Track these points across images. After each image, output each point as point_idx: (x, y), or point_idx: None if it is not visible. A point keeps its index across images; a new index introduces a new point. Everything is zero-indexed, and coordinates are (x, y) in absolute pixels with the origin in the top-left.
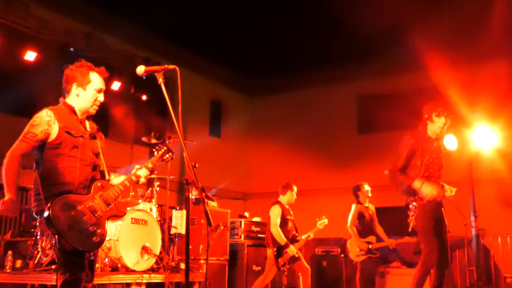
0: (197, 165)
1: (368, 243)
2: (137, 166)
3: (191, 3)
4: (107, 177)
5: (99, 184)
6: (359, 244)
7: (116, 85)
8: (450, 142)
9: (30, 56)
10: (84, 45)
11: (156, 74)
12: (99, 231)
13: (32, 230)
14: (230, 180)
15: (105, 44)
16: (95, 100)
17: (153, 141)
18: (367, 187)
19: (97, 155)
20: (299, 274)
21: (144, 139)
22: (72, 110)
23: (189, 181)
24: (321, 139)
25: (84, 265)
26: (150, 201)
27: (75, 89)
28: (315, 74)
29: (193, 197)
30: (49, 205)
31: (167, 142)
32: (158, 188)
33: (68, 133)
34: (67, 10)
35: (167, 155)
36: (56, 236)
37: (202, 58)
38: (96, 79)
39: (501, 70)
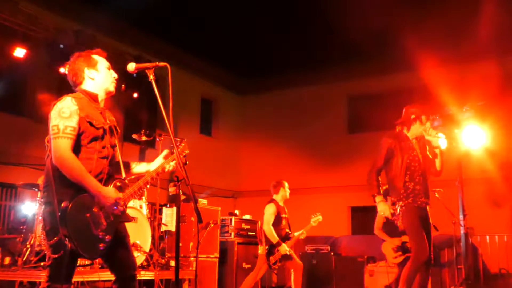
0: (187, 162)
1: (403, 242)
2: (163, 156)
3: (183, 1)
4: (123, 173)
5: (118, 184)
6: (394, 245)
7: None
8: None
9: (19, 52)
10: (73, 42)
11: (147, 71)
12: (107, 237)
13: (21, 227)
14: (220, 178)
15: (95, 42)
16: (111, 76)
17: (143, 138)
18: None
19: (113, 147)
20: (292, 270)
21: (134, 136)
22: (92, 98)
23: (180, 178)
24: (311, 138)
25: (71, 276)
26: (140, 198)
27: (88, 73)
28: (306, 73)
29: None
30: (66, 202)
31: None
32: (148, 186)
33: (90, 123)
34: (57, 6)
35: (184, 153)
36: (65, 237)
37: (194, 57)
38: (100, 59)
39: (490, 70)
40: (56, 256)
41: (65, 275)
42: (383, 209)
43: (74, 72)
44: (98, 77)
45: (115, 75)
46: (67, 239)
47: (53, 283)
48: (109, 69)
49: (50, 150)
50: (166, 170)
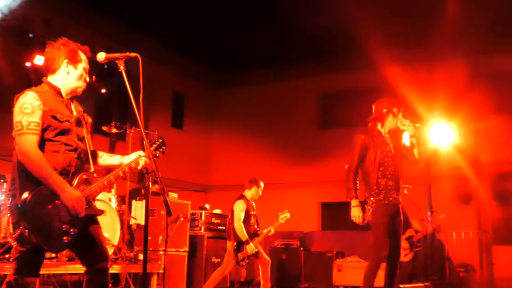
0: (158, 154)
1: (409, 237)
2: (140, 153)
3: None
4: (91, 166)
5: (84, 176)
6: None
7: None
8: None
9: None
10: (43, 31)
11: (117, 61)
12: (72, 230)
13: None
14: (191, 172)
15: (65, 31)
16: (84, 80)
17: (114, 130)
18: None
19: (82, 139)
20: (259, 266)
21: (104, 128)
22: (57, 92)
23: (149, 170)
24: (282, 133)
25: (39, 269)
26: (109, 191)
27: (65, 67)
28: (278, 69)
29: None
30: (26, 194)
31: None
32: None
33: (54, 117)
34: None
35: (161, 148)
36: (25, 230)
37: (165, 49)
38: (84, 58)
39: (456, 68)
40: (22, 249)
41: (31, 268)
42: (356, 215)
43: (52, 58)
44: (73, 75)
45: (88, 79)
46: (26, 231)
47: (19, 276)
48: (87, 71)
49: (15, 144)
50: (140, 166)
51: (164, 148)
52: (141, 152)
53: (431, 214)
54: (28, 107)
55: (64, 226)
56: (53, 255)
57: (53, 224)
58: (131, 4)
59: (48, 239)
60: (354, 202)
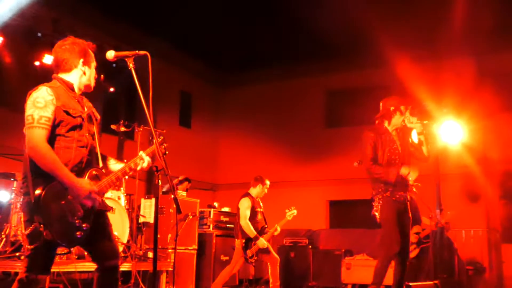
0: (167, 152)
1: (417, 233)
2: (141, 153)
3: None
4: (100, 162)
5: (94, 172)
6: None
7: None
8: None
9: None
10: (51, 30)
11: (126, 59)
12: (84, 225)
13: None
14: (199, 170)
15: (73, 31)
16: (95, 77)
17: (122, 129)
18: None
19: (92, 136)
20: (268, 263)
21: (113, 127)
22: (70, 87)
23: (159, 168)
24: (290, 131)
25: (50, 266)
26: (118, 189)
27: (81, 67)
28: (285, 68)
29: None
30: (39, 190)
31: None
32: (126, 177)
33: (67, 112)
34: None
35: (163, 146)
36: (40, 225)
37: (173, 49)
38: (93, 56)
39: (465, 66)
40: (33, 246)
41: (42, 265)
42: (405, 172)
43: (66, 58)
44: (88, 74)
45: (95, 75)
46: (42, 226)
47: (30, 273)
48: (95, 68)
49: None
50: (139, 167)
51: (165, 145)
52: (142, 154)
53: (440, 212)
54: (40, 101)
55: (77, 220)
56: (65, 251)
57: (66, 219)
58: (139, 3)
59: (63, 234)
60: (402, 170)
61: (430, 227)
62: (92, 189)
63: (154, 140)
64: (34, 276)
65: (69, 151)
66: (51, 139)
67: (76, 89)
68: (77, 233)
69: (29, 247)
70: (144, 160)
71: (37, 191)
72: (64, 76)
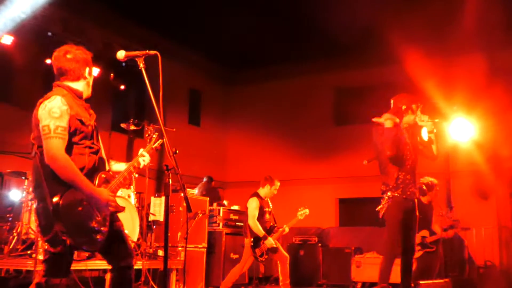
0: (177, 151)
1: (423, 237)
2: (142, 151)
3: None
4: (107, 166)
5: (103, 176)
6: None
7: (94, 72)
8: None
9: (7, 40)
10: (61, 30)
11: (136, 59)
12: (103, 228)
13: (7, 215)
14: (209, 168)
15: (83, 30)
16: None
17: (132, 127)
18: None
19: (99, 141)
20: (278, 262)
21: (123, 125)
22: (78, 96)
23: (169, 167)
24: (299, 129)
25: (68, 269)
26: (128, 188)
27: (87, 75)
28: (293, 65)
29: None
30: (57, 198)
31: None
32: (136, 175)
33: (81, 121)
34: None
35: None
36: (61, 234)
37: (182, 47)
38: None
39: (475, 63)
40: (54, 250)
41: (60, 269)
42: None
43: (74, 67)
44: (90, 82)
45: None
46: (64, 235)
47: (51, 277)
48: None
49: (36, 148)
50: (142, 166)
51: (161, 141)
52: (143, 151)
53: (450, 209)
54: (56, 111)
55: (96, 225)
56: (87, 255)
57: (86, 224)
58: (147, 2)
59: (84, 240)
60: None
61: (440, 235)
62: (110, 198)
63: (164, 140)
64: (53, 281)
65: (83, 157)
66: (68, 147)
67: (83, 97)
68: (98, 236)
69: (50, 250)
70: (145, 157)
71: (55, 199)
72: (72, 84)
